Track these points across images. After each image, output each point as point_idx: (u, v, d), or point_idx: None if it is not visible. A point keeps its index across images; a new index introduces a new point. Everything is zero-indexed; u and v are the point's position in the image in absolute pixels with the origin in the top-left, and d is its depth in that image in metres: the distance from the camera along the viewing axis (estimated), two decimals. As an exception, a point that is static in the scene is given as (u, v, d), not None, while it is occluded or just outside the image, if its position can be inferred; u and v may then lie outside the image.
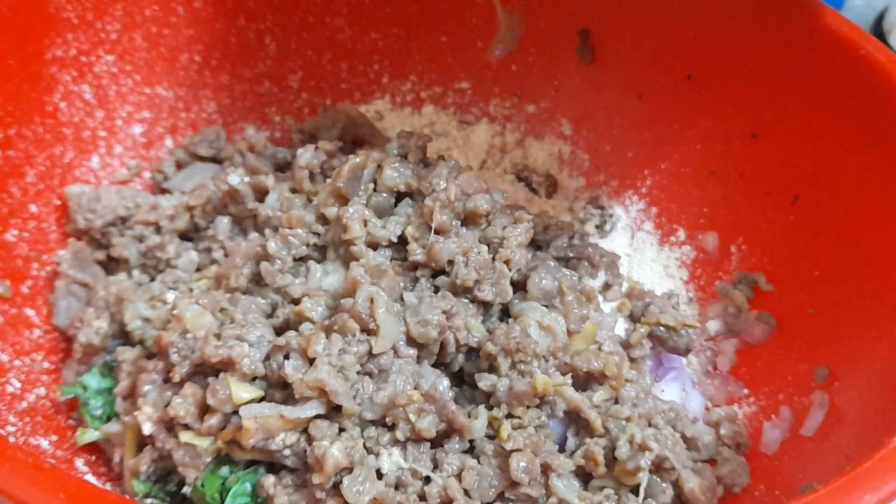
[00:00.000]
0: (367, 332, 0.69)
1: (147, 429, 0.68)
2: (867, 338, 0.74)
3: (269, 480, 0.68)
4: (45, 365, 0.76)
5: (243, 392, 0.68)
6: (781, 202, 0.86)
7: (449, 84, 1.02)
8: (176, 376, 0.69)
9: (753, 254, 0.89)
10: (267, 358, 0.70)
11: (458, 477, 0.68)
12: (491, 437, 0.71)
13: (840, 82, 0.80)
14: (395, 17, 0.98)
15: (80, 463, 0.72)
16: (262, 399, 0.69)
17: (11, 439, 0.67)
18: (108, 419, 0.73)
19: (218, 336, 0.70)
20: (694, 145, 0.94)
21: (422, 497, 0.67)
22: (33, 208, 0.80)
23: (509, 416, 0.71)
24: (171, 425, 0.68)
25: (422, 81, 1.02)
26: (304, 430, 0.68)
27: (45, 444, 0.70)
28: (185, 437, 0.67)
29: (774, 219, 0.87)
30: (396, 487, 0.67)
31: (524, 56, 0.99)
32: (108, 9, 0.86)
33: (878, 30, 1.12)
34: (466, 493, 0.67)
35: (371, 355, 0.69)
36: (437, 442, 0.70)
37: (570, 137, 1.01)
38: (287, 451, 0.68)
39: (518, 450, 0.68)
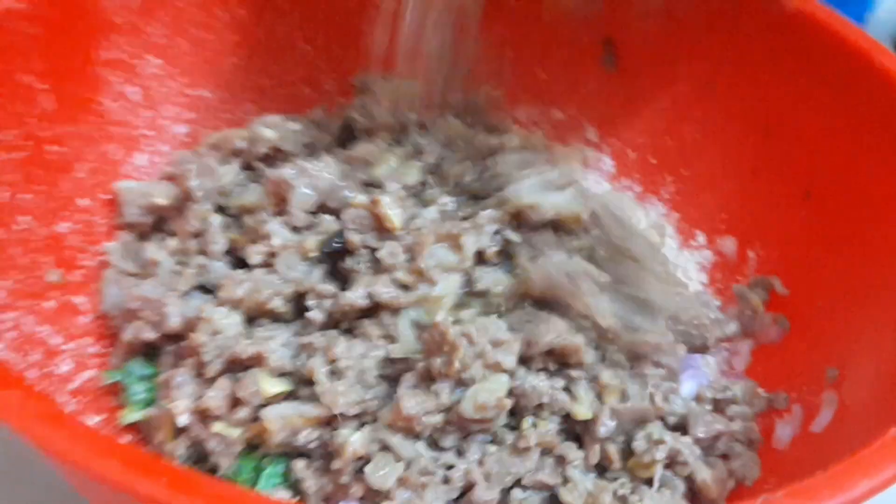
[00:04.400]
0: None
1: (182, 420, 0.72)
2: (875, 336, 0.77)
3: (300, 464, 0.71)
4: (95, 349, 0.79)
5: (271, 386, 0.72)
6: (798, 205, 0.89)
7: (475, 88, 1.04)
8: (208, 373, 0.73)
9: (770, 257, 0.92)
10: (296, 355, 0.74)
11: (480, 462, 0.72)
12: (511, 428, 0.74)
13: (852, 79, 0.84)
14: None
15: (123, 441, 0.75)
16: (290, 393, 0.73)
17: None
18: (150, 404, 0.77)
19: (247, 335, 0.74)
20: (714, 151, 0.97)
21: (445, 480, 0.71)
22: (83, 202, 0.84)
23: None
24: (204, 416, 0.72)
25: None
26: (328, 423, 0.71)
27: (92, 422, 0.74)
28: (217, 427, 0.71)
29: (790, 221, 0.90)
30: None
31: (550, 64, 1.02)
32: (155, 14, 0.90)
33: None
34: (486, 478, 0.70)
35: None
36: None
37: (596, 144, 1.04)
38: (313, 445, 0.72)
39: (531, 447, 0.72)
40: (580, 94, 1.03)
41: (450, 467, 0.71)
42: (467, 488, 0.70)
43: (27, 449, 0.54)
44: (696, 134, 0.98)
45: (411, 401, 0.69)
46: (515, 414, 0.73)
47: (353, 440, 0.69)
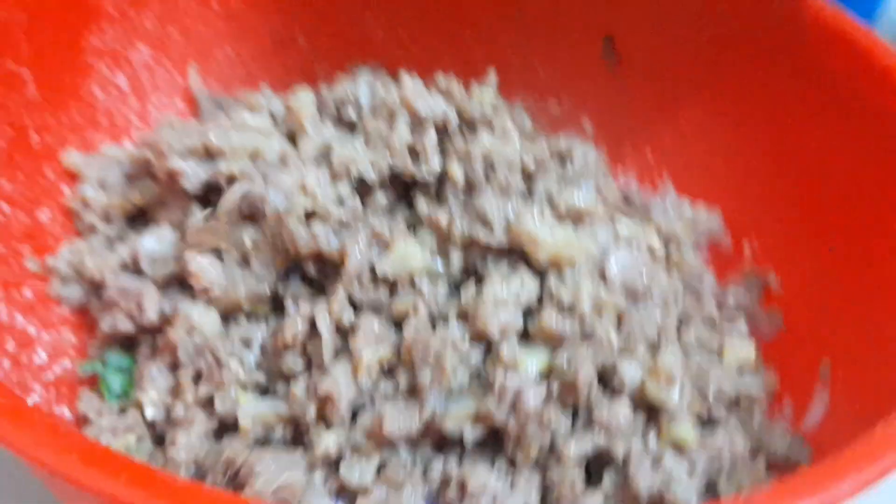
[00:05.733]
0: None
1: (150, 413, 0.72)
2: (870, 335, 0.76)
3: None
4: (72, 339, 0.78)
5: (246, 402, 0.71)
6: (793, 200, 0.88)
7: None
8: (182, 376, 0.71)
9: (765, 252, 0.91)
10: (272, 352, 0.72)
11: (460, 459, 0.71)
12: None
13: (852, 81, 0.82)
14: (420, 16, 1.00)
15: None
16: (265, 390, 0.73)
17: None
18: (126, 395, 0.76)
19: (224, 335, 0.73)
20: (711, 146, 0.96)
21: (423, 476, 0.70)
22: (66, 190, 0.83)
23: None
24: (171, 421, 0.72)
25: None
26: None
27: (67, 412, 0.74)
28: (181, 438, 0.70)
29: (785, 216, 0.89)
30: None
31: (547, 55, 1.01)
32: (147, 3, 0.89)
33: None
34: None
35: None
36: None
37: (592, 136, 1.03)
38: (288, 440, 0.71)
39: None
40: (578, 86, 1.02)
41: (427, 463, 0.70)
42: (445, 483, 0.69)
43: None
44: (693, 128, 0.97)
45: (394, 422, 0.67)
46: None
47: (327, 440, 0.68)
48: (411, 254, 0.70)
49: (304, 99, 0.81)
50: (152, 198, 0.82)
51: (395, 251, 0.70)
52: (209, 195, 0.79)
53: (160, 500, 0.46)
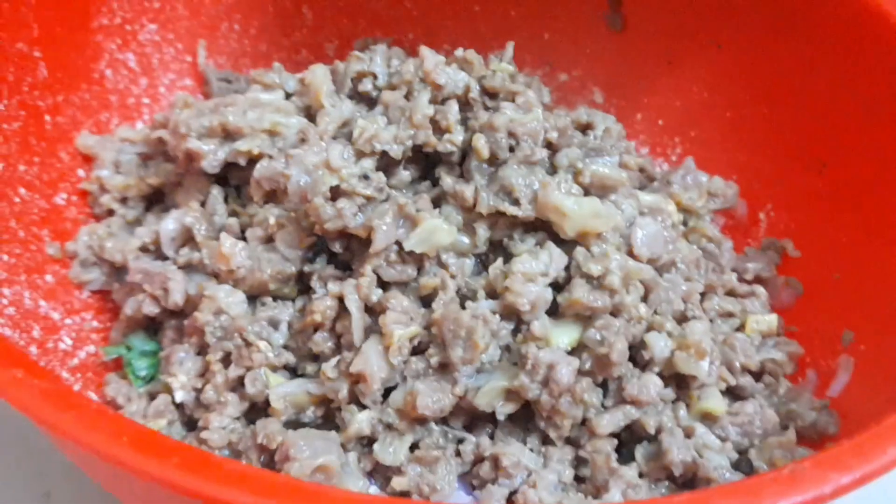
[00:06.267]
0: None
1: (179, 397, 0.71)
2: (892, 302, 0.76)
3: None
4: (95, 324, 0.78)
5: (276, 381, 0.70)
6: (809, 169, 0.87)
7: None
8: (211, 358, 0.71)
9: (781, 220, 0.91)
10: (300, 332, 0.72)
11: (491, 437, 0.71)
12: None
13: (868, 50, 0.81)
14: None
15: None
16: (293, 371, 0.72)
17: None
18: (152, 380, 0.76)
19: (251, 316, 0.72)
20: (723, 113, 0.95)
21: (456, 454, 0.70)
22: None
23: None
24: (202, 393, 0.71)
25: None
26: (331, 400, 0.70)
27: (94, 397, 0.73)
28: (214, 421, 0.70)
29: (802, 185, 0.88)
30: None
31: (555, 24, 1.00)
32: (151, -22, 0.88)
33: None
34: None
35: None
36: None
37: (602, 105, 1.02)
38: (319, 421, 0.71)
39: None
40: (586, 54, 1.01)
41: (460, 441, 0.70)
42: (478, 460, 0.69)
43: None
44: (705, 95, 0.96)
45: (426, 398, 0.67)
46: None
47: (360, 419, 0.67)
48: (438, 229, 0.70)
49: (319, 74, 0.80)
50: (168, 178, 0.81)
51: (422, 227, 0.69)
52: (227, 175, 0.79)
53: (213, 483, 0.46)
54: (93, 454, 0.47)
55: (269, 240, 0.73)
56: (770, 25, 0.89)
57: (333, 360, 0.69)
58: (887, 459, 0.52)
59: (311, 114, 0.79)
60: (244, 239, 0.74)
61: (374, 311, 0.70)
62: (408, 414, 0.68)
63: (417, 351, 0.70)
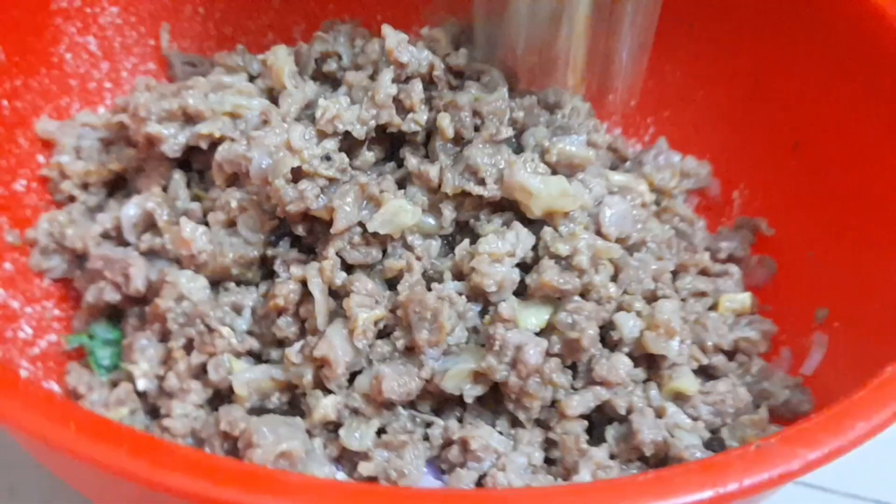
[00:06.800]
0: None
1: (141, 385, 0.70)
2: (866, 278, 0.75)
3: None
4: (56, 312, 0.77)
5: (239, 367, 0.69)
6: (783, 147, 0.87)
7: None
8: (173, 345, 0.70)
9: (755, 199, 0.90)
10: (264, 317, 0.71)
11: (460, 420, 0.70)
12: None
13: (841, 27, 0.80)
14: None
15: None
16: (258, 357, 0.71)
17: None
18: (115, 368, 0.74)
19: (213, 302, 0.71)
20: (696, 92, 0.95)
21: (424, 438, 0.69)
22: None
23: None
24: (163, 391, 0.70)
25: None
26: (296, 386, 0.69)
27: (56, 387, 0.72)
28: (177, 409, 0.68)
29: (775, 164, 0.87)
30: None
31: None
32: (112, -40, 0.87)
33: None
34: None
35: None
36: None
37: (573, 87, 1.01)
38: (285, 407, 0.70)
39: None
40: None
41: (428, 424, 0.69)
42: (447, 444, 0.68)
43: None
44: (678, 74, 0.95)
45: (392, 382, 0.66)
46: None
47: (325, 404, 0.66)
48: (402, 210, 0.68)
49: (281, 55, 0.79)
50: (130, 164, 0.80)
51: (386, 208, 0.68)
52: (190, 159, 0.77)
53: (163, 468, 0.45)
54: (41, 442, 0.46)
55: (231, 224, 0.72)
56: (742, 4, 0.88)
57: (297, 345, 0.68)
58: (856, 434, 0.52)
59: (274, 96, 0.78)
60: (207, 224, 0.73)
61: (338, 294, 0.69)
62: (374, 398, 0.67)
63: (383, 334, 0.69)
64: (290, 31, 0.98)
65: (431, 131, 0.73)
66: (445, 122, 0.71)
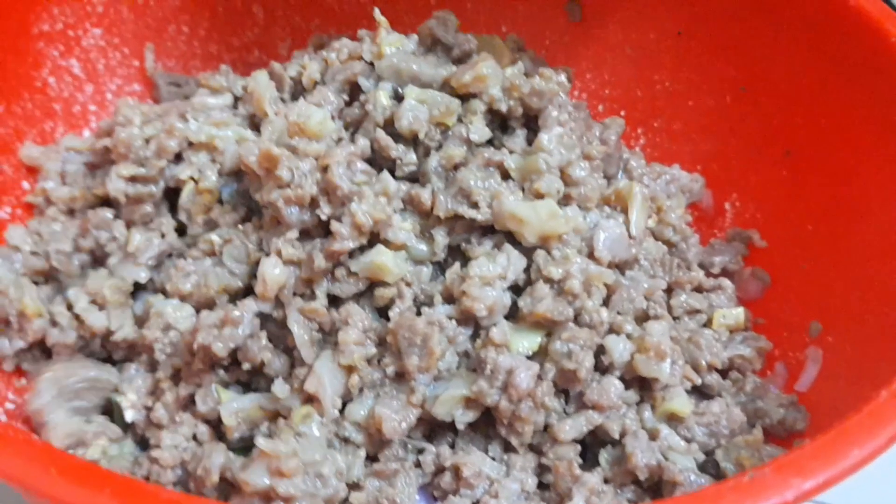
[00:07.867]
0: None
1: (129, 416, 0.69)
2: (860, 292, 0.74)
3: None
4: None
5: (227, 396, 0.68)
6: (773, 157, 0.86)
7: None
8: (161, 375, 0.69)
9: (747, 210, 0.90)
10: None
11: (452, 446, 0.69)
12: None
13: (830, 35, 0.80)
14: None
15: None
16: (246, 386, 0.70)
17: (6, 418, 0.68)
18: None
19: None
20: (685, 101, 0.94)
21: (416, 464, 0.68)
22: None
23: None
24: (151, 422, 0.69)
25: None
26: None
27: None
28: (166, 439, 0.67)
29: (767, 174, 0.87)
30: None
31: (513, 16, 0.99)
32: (94, -19, 0.86)
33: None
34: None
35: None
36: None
37: (564, 97, 1.01)
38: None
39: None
40: (545, 46, 0.99)
41: (420, 451, 0.68)
42: (439, 471, 0.67)
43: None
44: (667, 84, 0.95)
45: (393, 422, 0.65)
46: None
47: (314, 431, 0.65)
48: (384, 259, 0.68)
49: (262, 81, 0.78)
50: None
51: (368, 254, 0.68)
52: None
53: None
54: (22, 487, 0.46)
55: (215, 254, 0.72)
56: (731, 12, 0.88)
57: (281, 381, 0.67)
58: (850, 462, 0.51)
59: (255, 122, 0.78)
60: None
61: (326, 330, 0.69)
62: (372, 435, 0.66)
63: (372, 360, 0.68)
64: (276, 47, 0.98)
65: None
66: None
